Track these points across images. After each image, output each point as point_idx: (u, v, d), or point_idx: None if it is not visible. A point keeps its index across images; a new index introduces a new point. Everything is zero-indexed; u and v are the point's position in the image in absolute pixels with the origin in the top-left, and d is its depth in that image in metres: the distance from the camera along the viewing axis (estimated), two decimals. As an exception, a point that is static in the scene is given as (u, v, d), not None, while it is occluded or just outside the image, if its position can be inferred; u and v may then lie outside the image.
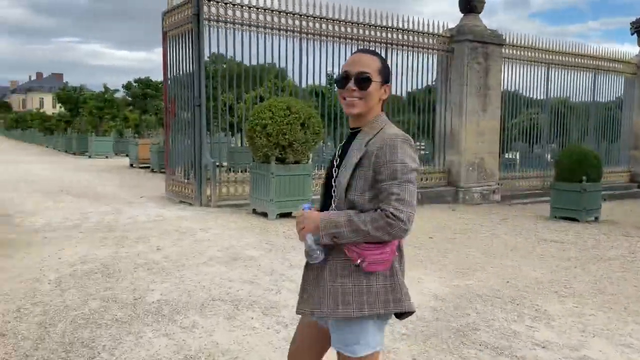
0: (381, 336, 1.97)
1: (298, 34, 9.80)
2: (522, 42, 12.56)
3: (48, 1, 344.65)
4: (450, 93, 11.72)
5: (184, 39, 9.65)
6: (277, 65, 9.96)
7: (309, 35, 9.93)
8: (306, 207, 1.93)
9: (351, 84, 1.89)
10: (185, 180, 9.81)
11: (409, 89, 11.55)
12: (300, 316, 2.13)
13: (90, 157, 24.74)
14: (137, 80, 22.82)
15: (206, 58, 9.43)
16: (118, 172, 16.92)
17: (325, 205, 1.98)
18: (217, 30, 9.24)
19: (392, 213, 1.79)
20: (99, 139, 26.29)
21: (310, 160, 9.18)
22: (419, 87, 11.70)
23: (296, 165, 8.40)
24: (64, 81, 47.63)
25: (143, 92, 22.36)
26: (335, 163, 1.97)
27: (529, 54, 12.73)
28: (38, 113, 45.36)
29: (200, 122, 9.29)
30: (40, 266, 5.42)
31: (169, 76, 10.42)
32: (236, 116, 10.04)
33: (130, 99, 24.16)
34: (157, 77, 21.81)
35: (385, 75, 1.94)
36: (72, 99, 31.21)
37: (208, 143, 9.66)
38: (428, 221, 8.80)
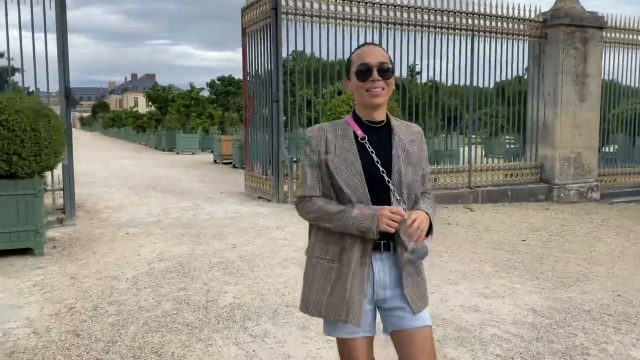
0: None
1: (378, 24, 9.39)
2: (628, 24, 11.35)
3: (141, 6, 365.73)
4: (543, 82, 10.83)
5: (262, 34, 9.57)
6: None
7: (389, 25, 9.50)
8: (402, 208, 1.84)
9: (375, 75, 1.87)
10: (263, 177, 9.75)
11: (497, 79, 10.79)
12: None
13: (178, 153, 25.72)
14: (220, 79, 23.43)
15: (284, 55, 9.28)
16: (202, 168, 17.36)
17: (375, 202, 1.87)
18: (295, 24, 9.05)
19: (433, 194, 2.10)
20: (186, 136, 27.28)
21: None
22: (508, 77, 10.90)
23: (375, 162, 8.03)
24: (156, 81, 50.14)
25: (225, 89, 22.88)
26: (374, 158, 1.88)
27: (636, 37, 11.49)
28: (131, 112, 47.98)
29: (278, 117, 9.17)
30: (120, 263, 5.47)
31: (248, 72, 10.41)
32: (313, 111, 9.82)
33: (213, 96, 24.86)
34: (240, 75, 22.19)
35: (393, 66, 1.96)
36: (161, 98, 32.63)
37: (285, 139, 9.53)
38: (519, 221, 8.12)
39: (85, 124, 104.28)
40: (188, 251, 5.90)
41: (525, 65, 11.08)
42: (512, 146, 12.42)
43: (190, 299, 4.32)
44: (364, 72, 1.87)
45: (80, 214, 8.23)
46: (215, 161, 19.75)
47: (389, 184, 1.87)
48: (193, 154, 25.71)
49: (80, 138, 53.33)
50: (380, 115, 1.94)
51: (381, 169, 1.86)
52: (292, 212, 8.36)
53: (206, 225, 7.34)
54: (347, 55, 9.41)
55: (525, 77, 11.33)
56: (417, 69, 10.97)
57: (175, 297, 4.38)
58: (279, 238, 6.53)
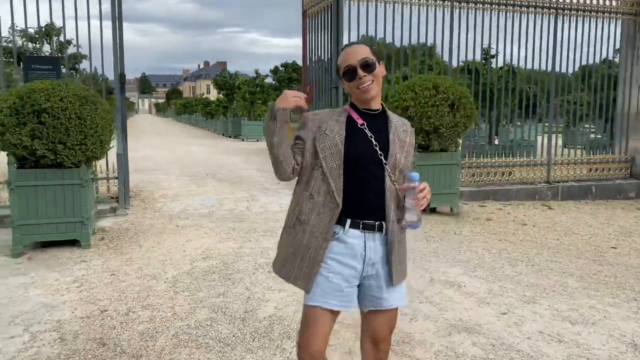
0: None
1: (449, 3, 8.59)
2: None
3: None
4: (637, 65, 9.64)
5: (323, 16, 9.03)
6: (425, 41, 8.86)
7: (462, 4, 8.67)
8: (417, 177, 1.94)
9: (360, 72, 2.01)
10: (322, 168, 9.26)
11: (583, 63, 9.68)
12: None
13: (243, 140, 25.78)
14: (284, 65, 23.19)
15: (346, 37, 8.69)
16: (263, 156, 17.14)
17: (373, 182, 2.03)
18: (358, 4, 8.43)
19: None
20: (251, 123, 27.33)
21: (460, 147, 7.95)
22: (595, 60, 9.76)
23: (442, 154, 7.32)
24: (225, 69, 50.91)
25: (289, 76, 22.61)
26: (373, 142, 2.02)
27: None
28: (201, 98, 49.03)
29: (337, 105, 8.63)
30: (163, 259, 5.17)
31: (308, 57, 9.92)
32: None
33: (277, 83, 24.70)
34: (303, 60, 21.78)
35: (377, 55, 2.07)
36: (228, 85, 32.88)
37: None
38: (607, 223, 7.17)
39: (160, 110, 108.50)
40: (235, 249, 5.52)
41: (616, 47, 9.92)
42: (596, 137, 11.25)
43: (227, 308, 3.91)
44: (350, 73, 2.03)
45: (136, 202, 8.10)
46: (278, 149, 19.51)
47: (386, 166, 2.02)
48: (257, 140, 25.67)
49: (153, 124, 55.26)
50: (376, 104, 2.09)
51: (379, 152, 2.02)
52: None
53: (258, 220, 6.96)
54: (414, 38, 8.70)
55: (616, 60, 10.15)
56: (492, 52, 10.06)
57: (212, 303, 3.99)
58: (334, 236, 6.01)
